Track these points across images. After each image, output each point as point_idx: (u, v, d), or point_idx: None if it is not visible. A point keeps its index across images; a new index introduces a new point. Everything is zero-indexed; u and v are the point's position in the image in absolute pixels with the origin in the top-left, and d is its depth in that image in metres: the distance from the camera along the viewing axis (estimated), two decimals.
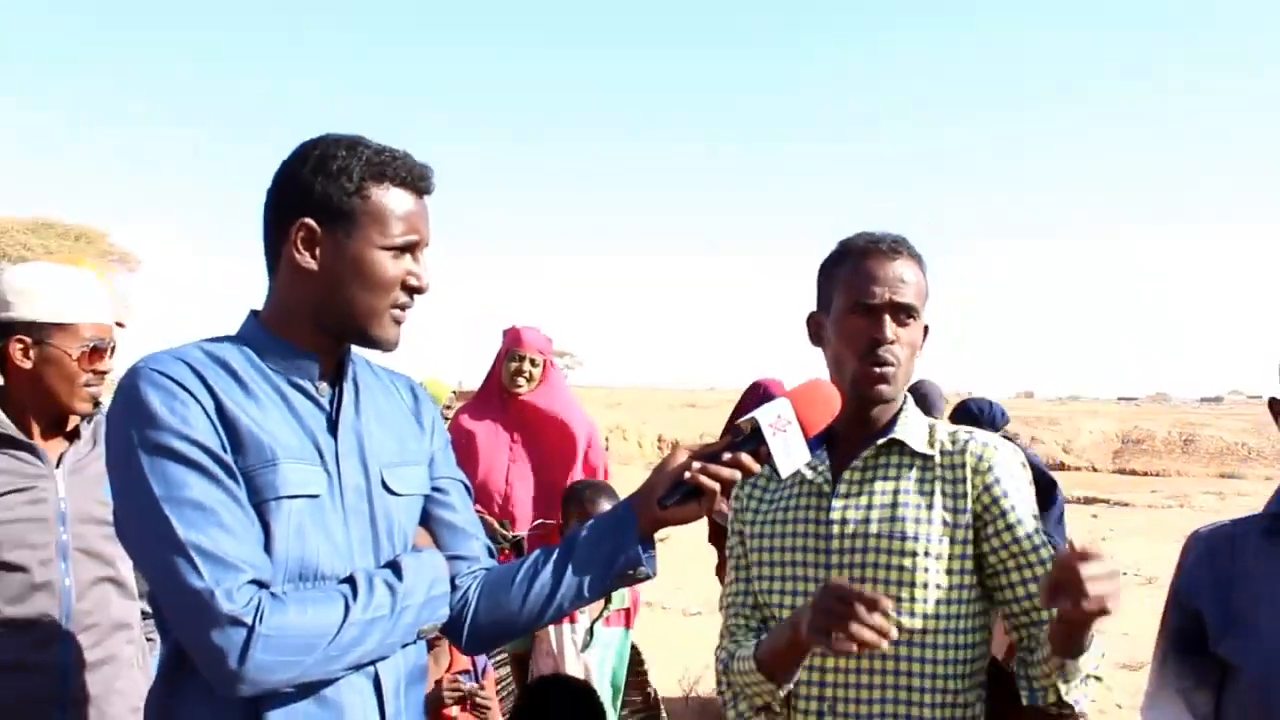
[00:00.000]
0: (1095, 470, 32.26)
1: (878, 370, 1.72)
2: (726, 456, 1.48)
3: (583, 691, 2.58)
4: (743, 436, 1.51)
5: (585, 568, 1.53)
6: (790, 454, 1.49)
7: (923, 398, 5.42)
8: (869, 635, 1.41)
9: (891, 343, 1.71)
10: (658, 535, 1.54)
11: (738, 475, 1.48)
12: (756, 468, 1.49)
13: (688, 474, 1.48)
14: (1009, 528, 1.69)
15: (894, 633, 1.43)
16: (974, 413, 5.57)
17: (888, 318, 1.72)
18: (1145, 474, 30.91)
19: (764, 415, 1.49)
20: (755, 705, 1.74)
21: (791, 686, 1.69)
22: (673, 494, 1.49)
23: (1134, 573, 10.22)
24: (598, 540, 1.54)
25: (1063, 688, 1.58)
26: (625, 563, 1.52)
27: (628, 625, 3.26)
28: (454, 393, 6.03)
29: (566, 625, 3.06)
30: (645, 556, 1.52)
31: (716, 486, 1.47)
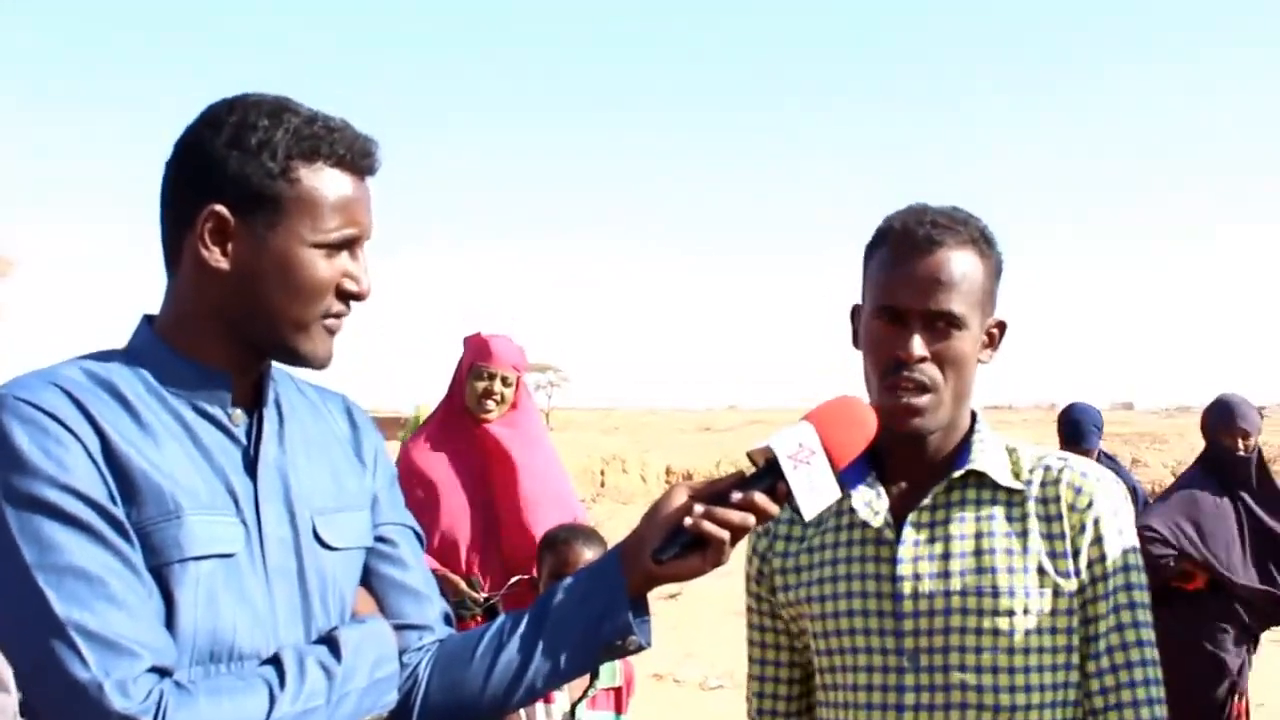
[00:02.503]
0: None
1: (903, 399, 1.66)
2: (736, 496, 1.45)
3: None
4: (756, 470, 1.49)
5: (562, 637, 1.51)
6: (815, 491, 1.47)
7: (1072, 425, 5.43)
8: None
9: (921, 361, 1.66)
10: (665, 590, 1.53)
11: (751, 520, 1.45)
12: (774, 509, 1.46)
13: (688, 520, 1.46)
14: (1099, 598, 1.68)
15: None
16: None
17: (917, 332, 1.66)
18: None
19: (781, 445, 1.47)
20: None
21: None
22: (670, 546, 1.46)
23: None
24: (578, 603, 1.53)
25: None
26: (612, 631, 1.50)
27: (619, 709, 3.23)
28: None
29: (540, 706, 3.03)
30: (637, 623, 1.51)
31: (725, 535, 1.44)
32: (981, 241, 1.72)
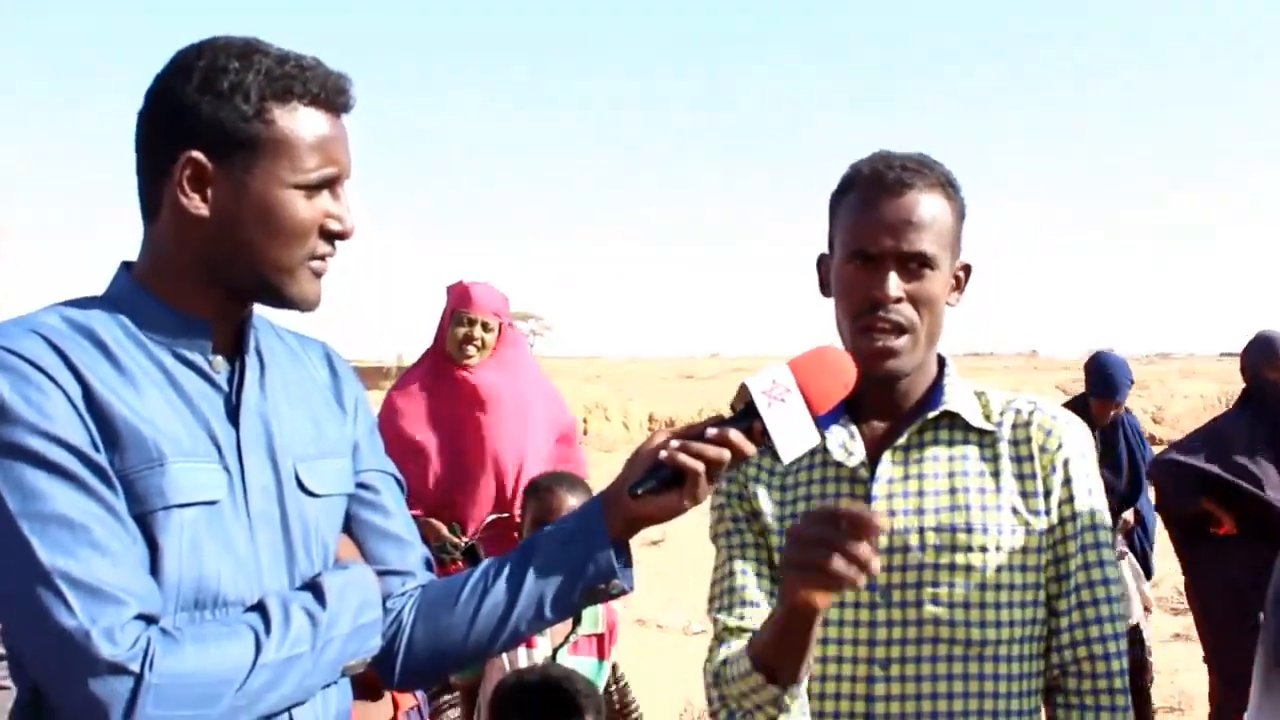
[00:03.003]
0: None
1: (879, 342, 1.69)
2: (711, 433, 1.47)
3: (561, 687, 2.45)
4: (736, 413, 1.50)
5: (546, 580, 1.53)
6: (792, 431, 1.48)
7: (1105, 378, 5.34)
8: (843, 568, 1.33)
9: (897, 301, 1.68)
10: (648, 536, 1.54)
11: (725, 454, 1.46)
12: (750, 447, 1.47)
13: (663, 454, 1.47)
14: (1067, 538, 1.73)
15: (876, 566, 1.36)
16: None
17: (893, 272, 1.68)
18: None
19: (756, 382, 1.48)
20: None
21: (803, 694, 1.63)
22: (647, 480, 1.48)
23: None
24: (561, 545, 1.54)
25: None
26: (595, 574, 1.52)
27: (601, 655, 3.21)
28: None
29: (522, 651, 3.03)
30: (620, 567, 1.52)
31: (700, 467, 1.45)
32: (948, 185, 1.75)
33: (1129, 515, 5.59)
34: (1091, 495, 1.75)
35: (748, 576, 1.80)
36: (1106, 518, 1.77)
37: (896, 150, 1.78)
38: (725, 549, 1.86)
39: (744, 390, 1.49)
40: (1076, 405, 5.50)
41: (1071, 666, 1.73)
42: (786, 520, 1.80)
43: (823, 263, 1.84)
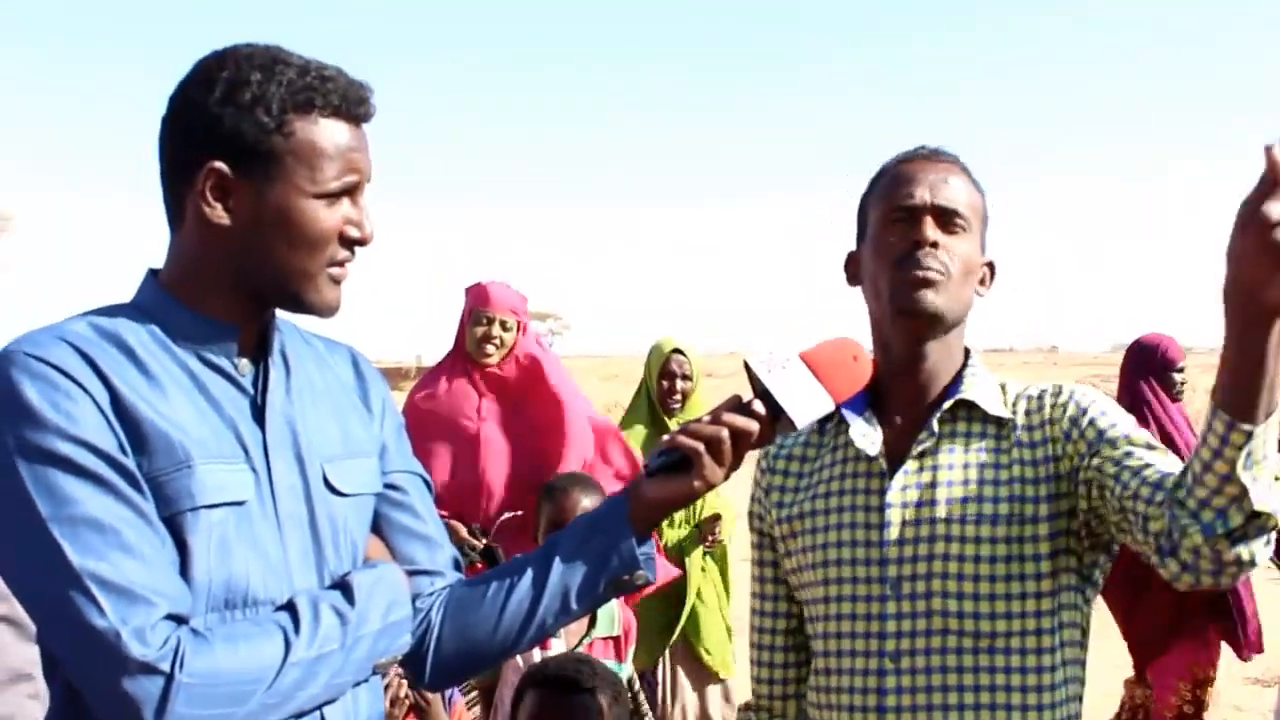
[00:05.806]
0: None
1: (919, 273, 1.68)
2: (708, 416, 1.54)
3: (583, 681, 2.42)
4: (747, 401, 1.56)
5: (571, 573, 1.56)
6: (800, 397, 1.54)
7: None
8: None
9: (934, 245, 1.70)
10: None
11: (724, 433, 1.52)
12: (751, 425, 1.54)
13: (666, 436, 1.53)
14: (1102, 433, 1.65)
15: None
16: None
17: (929, 218, 1.71)
18: None
19: (755, 356, 1.54)
20: None
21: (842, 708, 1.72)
22: (658, 460, 1.55)
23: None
24: (585, 538, 1.58)
25: (1249, 484, 1.35)
26: (619, 565, 1.56)
27: (619, 658, 3.17)
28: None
29: (537, 652, 2.96)
30: (643, 558, 1.56)
31: (699, 446, 1.52)
32: (975, 179, 1.81)
33: None
34: (1111, 414, 1.68)
35: (776, 611, 1.93)
36: (1142, 434, 1.66)
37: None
38: (756, 571, 1.97)
39: (748, 368, 1.55)
40: None
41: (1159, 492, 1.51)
42: (807, 519, 1.80)
43: (851, 260, 1.86)
